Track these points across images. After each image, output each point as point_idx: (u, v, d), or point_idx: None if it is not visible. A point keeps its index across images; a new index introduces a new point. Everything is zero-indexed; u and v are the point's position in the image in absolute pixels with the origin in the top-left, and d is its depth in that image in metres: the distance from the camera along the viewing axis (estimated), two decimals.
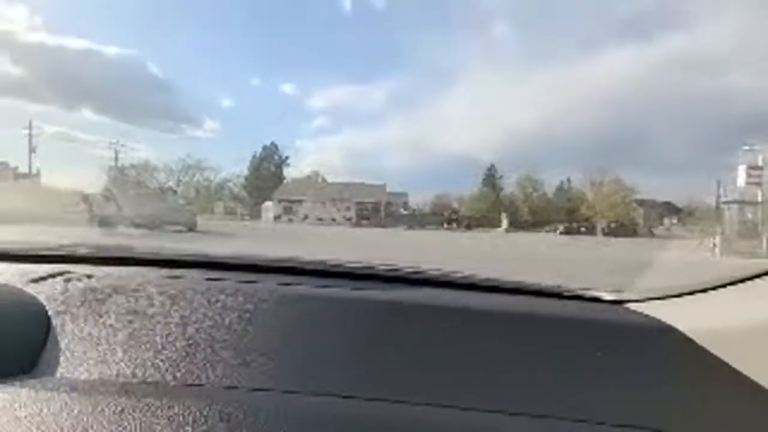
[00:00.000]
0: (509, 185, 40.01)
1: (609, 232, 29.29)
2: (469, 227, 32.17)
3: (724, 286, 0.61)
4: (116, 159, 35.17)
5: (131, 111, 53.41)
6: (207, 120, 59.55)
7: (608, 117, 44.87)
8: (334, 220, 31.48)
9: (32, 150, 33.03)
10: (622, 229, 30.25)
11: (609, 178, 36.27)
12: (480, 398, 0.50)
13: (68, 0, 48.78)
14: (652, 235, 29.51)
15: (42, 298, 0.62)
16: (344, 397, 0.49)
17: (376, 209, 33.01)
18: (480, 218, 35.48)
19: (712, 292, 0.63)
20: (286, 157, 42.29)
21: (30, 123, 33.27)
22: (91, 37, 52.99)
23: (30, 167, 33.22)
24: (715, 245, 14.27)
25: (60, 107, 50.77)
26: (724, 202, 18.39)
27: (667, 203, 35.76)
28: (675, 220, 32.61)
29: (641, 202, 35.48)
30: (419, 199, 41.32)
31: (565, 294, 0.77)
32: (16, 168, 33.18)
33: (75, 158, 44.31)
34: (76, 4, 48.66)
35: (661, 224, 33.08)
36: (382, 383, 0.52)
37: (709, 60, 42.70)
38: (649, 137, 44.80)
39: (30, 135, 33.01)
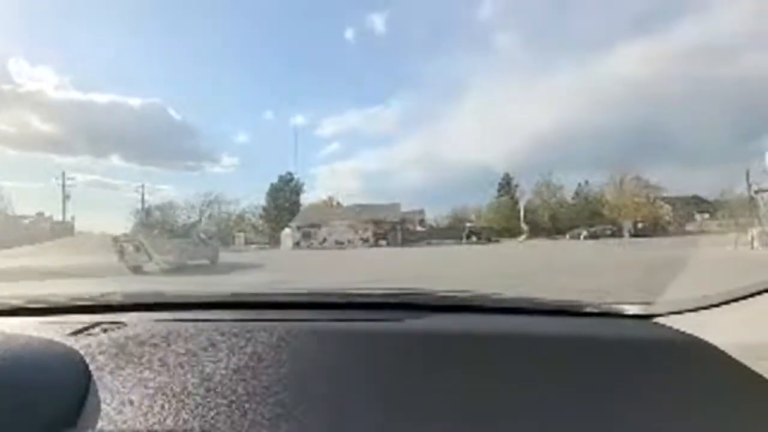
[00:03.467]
0: (526, 193, 39.39)
1: (637, 233, 28.10)
2: (488, 239, 31.58)
3: (759, 293, 0.57)
4: (143, 201, 36.89)
5: (156, 155, 56.55)
6: (225, 156, 61.83)
7: (624, 115, 43.93)
8: (351, 242, 31.60)
9: (66, 199, 35.11)
10: (651, 228, 28.98)
11: (630, 177, 35.23)
12: (511, 427, 0.49)
13: (92, 58, 52.91)
14: (684, 232, 28.12)
15: (82, 351, 0.65)
16: None
17: (393, 228, 32.97)
18: (499, 229, 34.84)
19: (744, 301, 0.58)
20: (302, 185, 43.23)
21: (63, 174, 35.54)
22: (115, 91, 56.96)
23: (64, 215, 35.27)
24: (753, 238, 13.41)
25: (90, 157, 54.14)
26: (756, 192, 17.44)
27: (696, 197, 34.12)
28: (707, 215, 30.96)
29: (668, 200, 34.08)
30: (436, 214, 41.20)
31: (589, 310, 0.73)
32: (51, 217, 35.35)
33: (106, 204, 47.02)
34: (99, 61, 52.85)
35: (692, 220, 31.46)
36: (420, 420, 0.50)
37: (723, 46, 41.50)
38: (669, 131, 43.34)
39: (63, 185, 35.20)
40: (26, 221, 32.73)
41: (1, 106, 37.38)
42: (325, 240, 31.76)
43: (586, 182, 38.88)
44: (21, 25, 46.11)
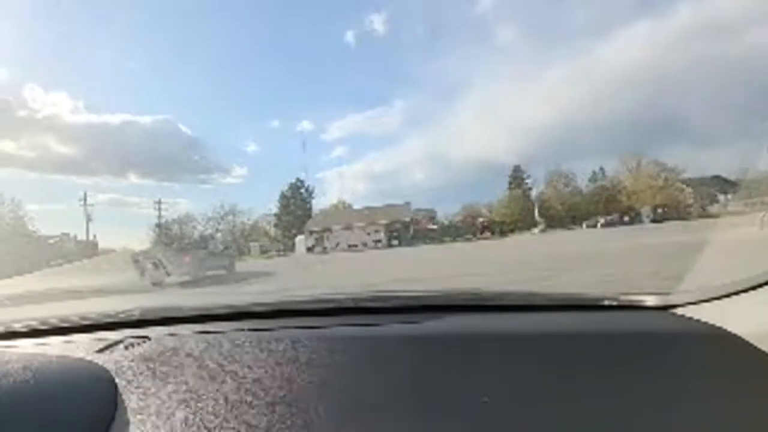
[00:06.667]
0: (539, 184, 38.71)
1: (657, 219, 27.25)
2: (503, 233, 31.15)
3: None
4: (160, 216, 37.83)
5: (170, 170, 57.69)
6: (236, 167, 62.76)
7: (633, 98, 42.66)
8: (365, 244, 31.66)
9: (88, 219, 36.29)
10: (672, 213, 28.06)
11: (646, 161, 34.28)
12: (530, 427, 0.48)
13: (102, 81, 54.65)
14: (707, 215, 27.10)
15: (108, 367, 0.66)
16: None
17: (405, 228, 32.89)
18: (513, 222, 34.33)
19: None
20: (312, 190, 43.60)
21: (85, 194, 36.77)
22: (126, 110, 58.56)
23: (87, 234, 36.46)
24: None
25: (109, 177, 55.80)
26: None
27: (718, 177, 32.81)
28: (730, 196, 29.74)
29: (688, 182, 32.92)
30: (447, 212, 40.90)
31: (606, 303, 0.72)
32: (75, 236, 36.57)
33: (126, 221, 48.24)
34: (109, 83, 54.79)
35: (716, 202, 30.28)
36: (441, 422, 0.50)
37: (728, 21, 39.89)
38: (682, 112, 41.90)
39: (85, 205, 36.42)
40: (51, 242, 33.95)
41: (21, 132, 39.01)
42: (338, 244, 31.93)
43: (601, 169, 38.01)
44: (33, 52, 48.10)
